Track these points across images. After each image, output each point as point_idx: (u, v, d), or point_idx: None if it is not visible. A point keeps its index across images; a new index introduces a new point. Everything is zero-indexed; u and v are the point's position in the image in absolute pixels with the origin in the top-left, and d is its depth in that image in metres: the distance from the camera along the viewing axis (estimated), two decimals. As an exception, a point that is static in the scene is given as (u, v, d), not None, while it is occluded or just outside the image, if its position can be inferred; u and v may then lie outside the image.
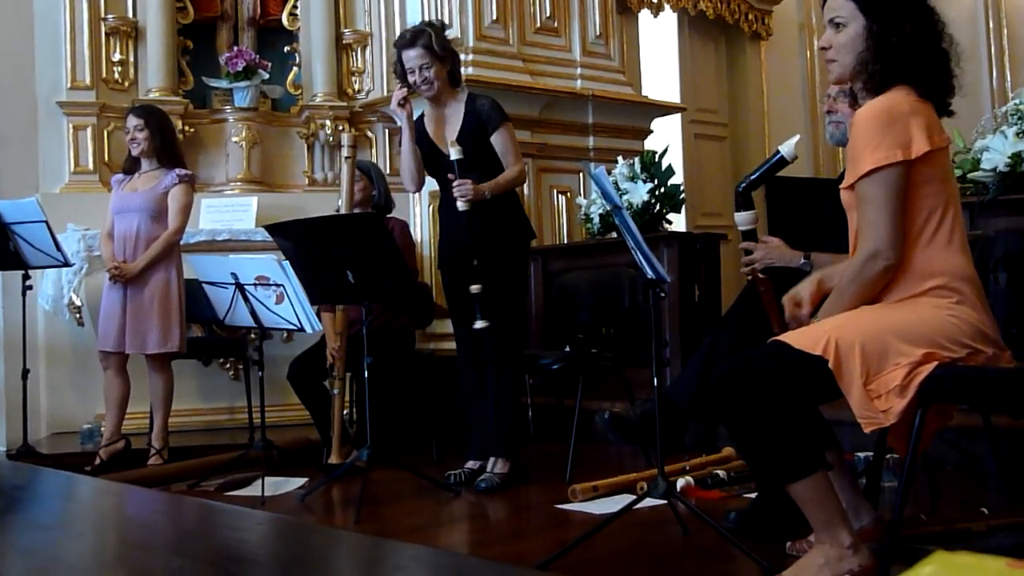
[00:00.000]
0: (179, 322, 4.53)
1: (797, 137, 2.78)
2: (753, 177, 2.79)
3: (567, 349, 4.73)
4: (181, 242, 4.70)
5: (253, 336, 4.85)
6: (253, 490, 3.94)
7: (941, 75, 2.37)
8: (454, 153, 3.82)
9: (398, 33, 6.12)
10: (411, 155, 4.04)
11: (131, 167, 4.69)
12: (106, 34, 5.87)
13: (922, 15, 2.38)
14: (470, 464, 4.05)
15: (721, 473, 3.72)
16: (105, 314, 4.53)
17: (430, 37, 3.93)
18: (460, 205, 3.83)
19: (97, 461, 4.47)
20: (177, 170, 4.61)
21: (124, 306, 4.48)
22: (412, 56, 3.94)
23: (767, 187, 7.63)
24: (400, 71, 4.00)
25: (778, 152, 2.72)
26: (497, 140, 3.96)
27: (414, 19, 6.02)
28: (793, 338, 2.29)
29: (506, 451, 3.95)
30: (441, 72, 3.96)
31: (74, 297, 5.30)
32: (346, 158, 4.33)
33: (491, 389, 3.99)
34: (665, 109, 6.58)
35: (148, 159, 4.63)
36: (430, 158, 4.05)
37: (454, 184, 3.83)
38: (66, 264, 4.61)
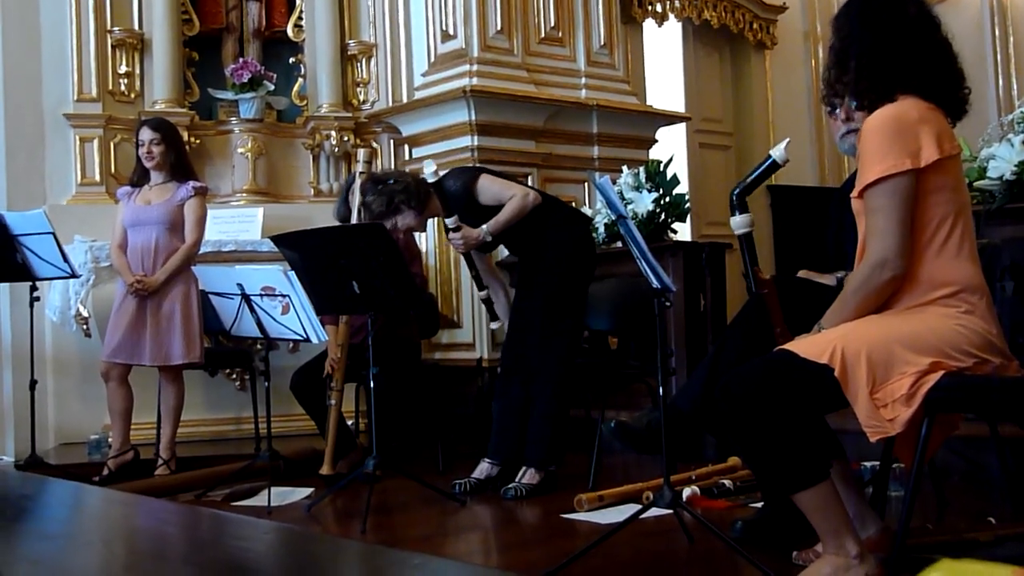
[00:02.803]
0: (200, 333, 4.55)
1: (787, 140, 2.84)
2: (747, 182, 2.84)
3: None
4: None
5: (259, 347, 4.86)
6: (260, 500, 3.95)
7: (937, 78, 2.37)
8: (450, 222, 3.95)
9: (403, 44, 6.17)
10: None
11: (140, 179, 4.69)
12: (112, 46, 5.89)
13: (894, 23, 2.38)
14: (477, 473, 4.05)
15: (727, 482, 3.71)
16: (117, 326, 4.50)
17: (383, 209, 4.02)
18: (460, 249, 4.03)
19: (105, 472, 4.48)
20: (191, 183, 4.62)
21: (142, 318, 4.48)
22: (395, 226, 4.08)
23: (772, 195, 7.63)
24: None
25: (770, 157, 2.77)
26: (484, 197, 4.03)
27: (419, 29, 6.05)
28: (799, 347, 2.29)
29: (537, 462, 3.96)
30: (419, 215, 4.06)
31: (81, 308, 5.31)
32: (360, 172, 4.36)
33: (532, 398, 4.04)
34: (670, 118, 6.58)
35: (160, 172, 4.63)
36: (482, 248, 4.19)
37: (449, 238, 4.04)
38: (73, 275, 4.62)
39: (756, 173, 2.83)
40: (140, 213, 4.58)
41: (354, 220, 4.36)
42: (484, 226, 3.95)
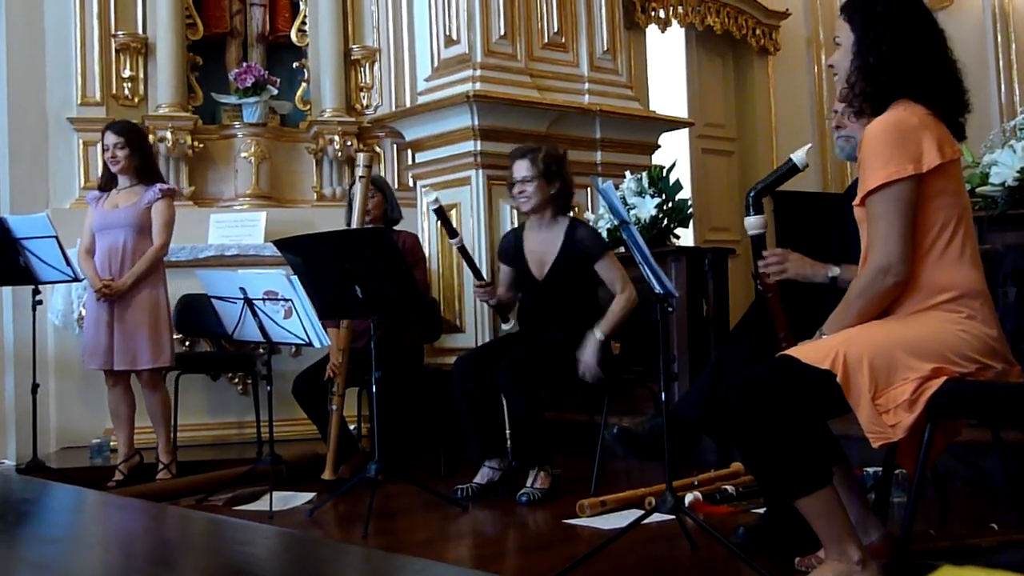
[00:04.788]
0: (169, 337, 4.52)
1: (809, 145, 2.85)
2: (764, 184, 2.84)
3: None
4: (188, 257, 4.70)
5: (262, 351, 4.86)
6: (261, 504, 3.95)
7: (940, 89, 2.37)
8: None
9: (407, 49, 6.19)
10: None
11: (107, 184, 4.66)
12: (116, 50, 5.90)
13: (906, 31, 2.37)
14: (479, 478, 4.04)
15: (730, 488, 3.71)
16: (90, 331, 4.51)
17: (539, 154, 4.13)
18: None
19: (119, 477, 4.47)
20: (159, 185, 4.59)
21: (110, 323, 4.45)
22: (519, 167, 4.14)
23: (775, 200, 7.67)
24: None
25: (790, 160, 2.77)
26: (602, 268, 4.10)
27: (422, 35, 6.06)
28: (801, 352, 2.29)
29: (545, 461, 3.98)
30: (543, 190, 4.11)
31: (83, 312, 5.32)
32: (360, 177, 4.36)
33: (506, 395, 4.05)
34: (673, 124, 6.58)
35: (126, 175, 4.60)
36: (521, 278, 4.24)
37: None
38: (76, 279, 4.62)
39: (775, 176, 2.85)
40: (108, 217, 4.56)
41: (354, 224, 4.36)
42: (598, 332, 4.00)
